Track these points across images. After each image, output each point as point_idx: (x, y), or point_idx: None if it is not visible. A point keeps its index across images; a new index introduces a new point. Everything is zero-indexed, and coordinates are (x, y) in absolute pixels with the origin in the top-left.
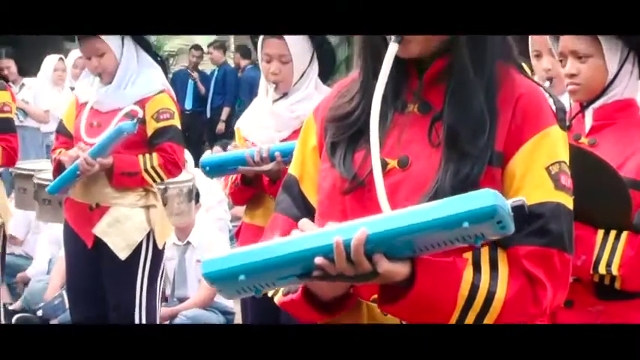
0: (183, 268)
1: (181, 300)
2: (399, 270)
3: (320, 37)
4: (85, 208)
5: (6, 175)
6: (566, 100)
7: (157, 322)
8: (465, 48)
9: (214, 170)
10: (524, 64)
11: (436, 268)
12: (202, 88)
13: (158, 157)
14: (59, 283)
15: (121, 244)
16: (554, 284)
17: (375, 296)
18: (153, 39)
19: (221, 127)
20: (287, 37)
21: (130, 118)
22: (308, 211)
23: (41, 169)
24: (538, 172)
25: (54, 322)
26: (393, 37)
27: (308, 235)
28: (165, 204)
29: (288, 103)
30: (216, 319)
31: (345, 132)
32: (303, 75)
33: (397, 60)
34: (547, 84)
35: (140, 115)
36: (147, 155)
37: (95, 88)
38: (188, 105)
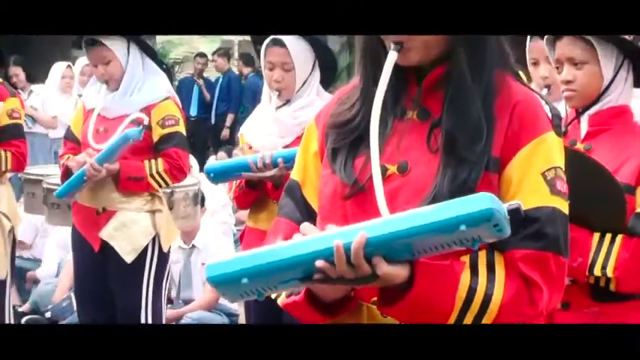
0: (189, 270)
1: (187, 302)
2: (398, 272)
3: (321, 45)
4: (92, 212)
5: (15, 180)
6: (562, 106)
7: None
8: (463, 56)
9: (219, 177)
10: (520, 72)
11: (434, 270)
12: (207, 95)
13: (163, 162)
14: (67, 286)
15: (127, 247)
16: (550, 287)
17: (375, 298)
18: (158, 47)
19: (225, 133)
20: (289, 46)
21: (136, 125)
22: (310, 215)
23: (49, 174)
24: (534, 177)
25: (62, 323)
26: (392, 46)
27: (309, 239)
28: (171, 207)
29: (290, 110)
30: (221, 320)
31: (346, 138)
32: (305, 82)
33: (397, 68)
34: (544, 91)
35: (146, 122)
36: (152, 161)
37: (102, 95)
38: (193, 111)
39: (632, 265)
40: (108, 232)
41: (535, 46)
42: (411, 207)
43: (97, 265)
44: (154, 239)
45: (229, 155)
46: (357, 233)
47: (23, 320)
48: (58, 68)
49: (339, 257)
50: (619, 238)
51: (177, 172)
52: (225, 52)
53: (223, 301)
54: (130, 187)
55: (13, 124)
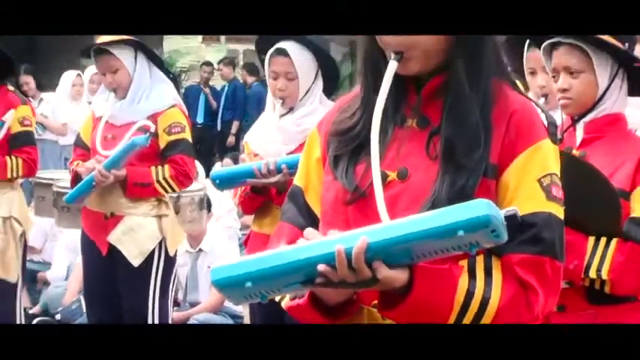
0: (195, 274)
1: (193, 305)
2: (398, 276)
3: (324, 54)
4: (100, 217)
5: (25, 184)
6: (558, 114)
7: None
8: (461, 65)
9: (224, 183)
10: (517, 81)
11: (433, 274)
12: (214, 103)
13: (170, 168)
14: (77, 289)
15: (134, 251)
16: (546, 290)
17: (376, 302)
18: (165, 56)
19: (231, 139)
20: (293, 56)
21: (142, 132)
22: (312, 220)
23: (59, 178)
24: (530, 183)
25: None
26: (392, 55)
27: (311, 244)
28: (177, 212)
29: (294, 118)
30: (226, 322)
31: (347, 145)
32: (308, 91)
33: (397, 77)
34: (542, 100)
35: (152, 129)
36: (159, 167)
37: (110, 103)
38: (200, 119)
39: (627, 267)
40: (116, 237)
41: (532, 56)
42: (410, 212)
43: (105, 269)
44: (160, 243)
45: (235, 161)
46: (358, 238)
47: (34, 322)
48: (69, 77)
49: (341, 262)
50: (614, 241)
51: (183, 177)
52: (230, 62)
53: (229, 304)
54: (137, 192)
55: (24, 132)
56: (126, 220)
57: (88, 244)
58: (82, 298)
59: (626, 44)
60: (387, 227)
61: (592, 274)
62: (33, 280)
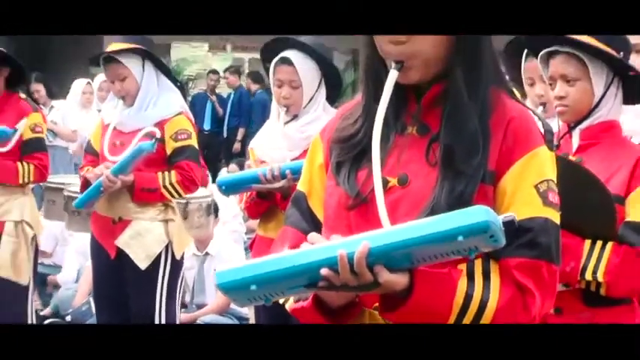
0: (202, 277)
1: (200, 307)
2: (399, 280)
3: (327, 63)
4: (108, 221)
5: (36, 189)
6: (555, 122)
7: None
8: (460, 74)
9: (230, 189)
10: (514, 90)
11: (433, 278)
12: (220, 110)
13: (176, 174)
14: (87, 291)
15: (141, 255)
16: (543, 293)
17: (377, 304)
18: (173, 64)
19: (237, 146)
20: (297, 64)
21: (149, 138)
22: (315, 225)
23: (69, 182)
24: (527, 189)
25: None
26: (393, 64)
27: (314, 249)
28: (186, 218)
29: (298, 125)
30: (232, 324)
31: (349, 152)
32: (312, 99)
33: (397, 86)
34: (540, 109)
35: (158, 135)
36: (166, 173)
37: (118, 110)
38: (206, 126)
39: (622, 270)
40: (123, 240)
41: (530, 66)
42: (410, 217)
43: (113, 272)
44: (167, 247)
45: (241, 167)
46: (359, 243)
47: (45, 323)
48: (79, 85)
49: (343, 266)
50: (609, 244)
51: (189, 183)
52: (236, 70)
53: (234, 306)
54: (145, 197)
55: (35, 138)
56: (133, 224)
57: (97, 247)
58: (91, 300)
59: (621, 53)
60: (388, 232)
61: (588, 276)
62: (43, 283)
